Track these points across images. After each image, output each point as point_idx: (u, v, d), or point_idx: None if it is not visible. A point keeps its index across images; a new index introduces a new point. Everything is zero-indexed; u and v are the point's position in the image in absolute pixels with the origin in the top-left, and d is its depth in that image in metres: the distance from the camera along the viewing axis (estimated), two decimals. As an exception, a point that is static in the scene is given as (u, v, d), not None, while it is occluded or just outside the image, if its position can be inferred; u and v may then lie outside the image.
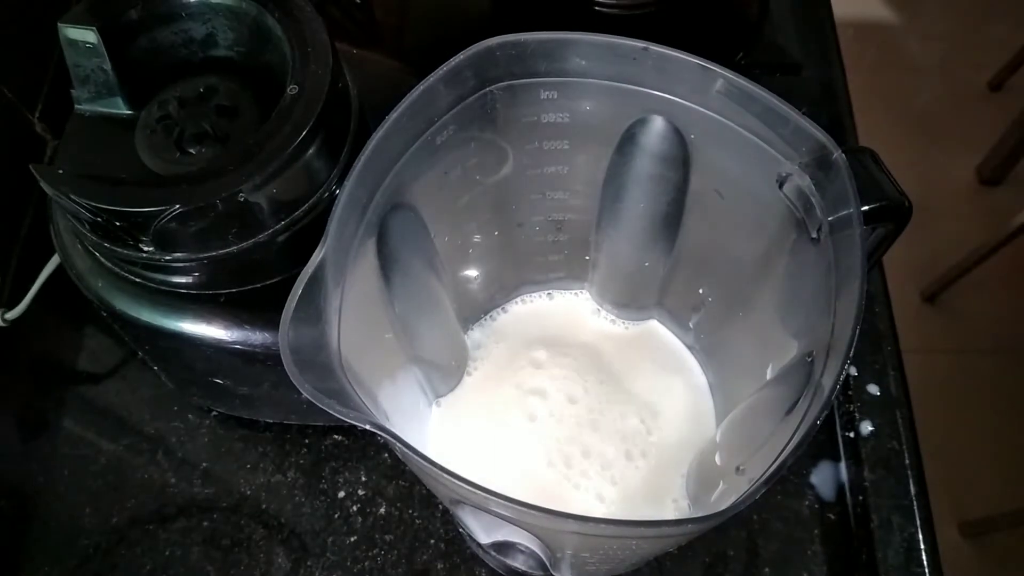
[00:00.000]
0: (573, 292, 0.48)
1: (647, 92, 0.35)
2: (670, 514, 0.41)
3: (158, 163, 0.35)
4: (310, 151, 0.33)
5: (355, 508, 0.46)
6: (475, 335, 0.47)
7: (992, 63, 1.47)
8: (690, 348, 0.47)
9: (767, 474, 0.27)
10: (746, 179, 0.35)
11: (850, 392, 0.47)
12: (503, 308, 0.48)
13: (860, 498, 0.45)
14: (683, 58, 0.33)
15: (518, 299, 0.48)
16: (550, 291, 0.48)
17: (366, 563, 0.45)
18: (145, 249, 0.33)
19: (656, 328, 0.48)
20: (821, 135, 0.31)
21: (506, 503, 0.26)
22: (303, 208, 0.35)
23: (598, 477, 0.42)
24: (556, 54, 0.34)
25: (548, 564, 0.36)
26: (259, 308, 0.37)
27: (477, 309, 0.47)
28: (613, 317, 0.48)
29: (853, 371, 0.48)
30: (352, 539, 0.45)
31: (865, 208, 0.30)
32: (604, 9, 0.53)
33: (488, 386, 0.45)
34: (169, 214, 0.31)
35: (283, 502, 0.47)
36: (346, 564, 0.45)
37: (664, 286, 0.45)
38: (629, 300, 0.47)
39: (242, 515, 0.46)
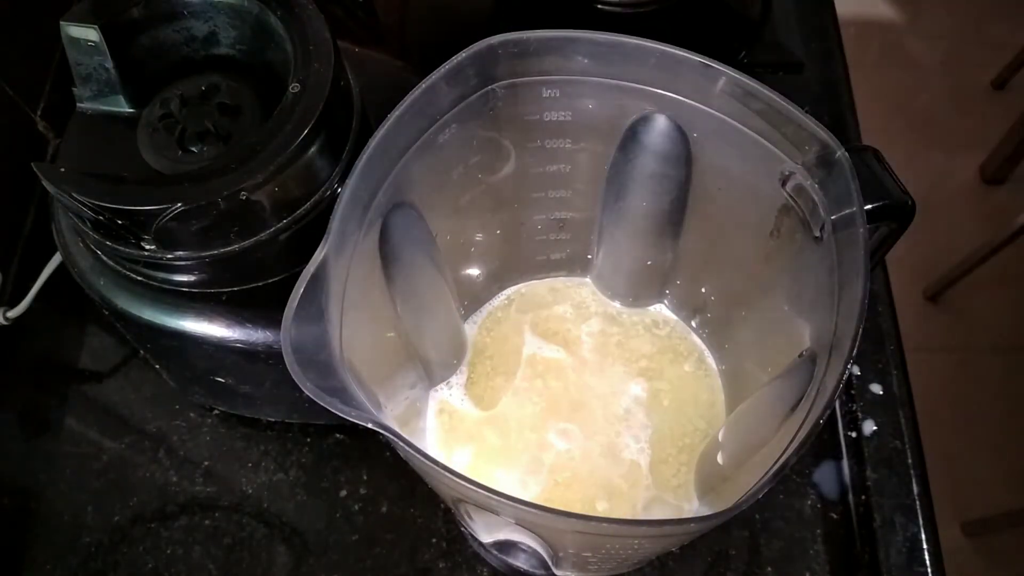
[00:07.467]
0: (575, 285, 0.48)
1: (649, 90, 0.35)
2: (673, 513, 0.41)
3: (160, 161, 0.35)
4: (312, 150, 0.33)
5: (357, 507, 0.46)
6: (477, 331, 0.47)
7: (995, 62, 1.47)
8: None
9: (770, 473, 0.27)
10: (749, 177, 0.35)
11: (853, 391, 0.47)
12: (505, 303, 0.48)
13: (863, 497, 0.45)
14: (686, 56, 0.33)
15: (520, 293, 0.48)
16: (552, 285, 0.48)
17: (368, 562, 0.45)
18: (147, 247, 0.33)
19: (662, 311, 0.47)
20: (824, 133, 0.31)
21: (508, 502, 0.25)
22: (305, 207, 0.35)
23: (601, 474, 0.42)
24: (558, 52, 0.34)
25: (550, 563, 0.36)
26: (261, 306, 0.37)
27: (479, 305, 0.47)
28: (617, 306, 0.47)
29: (856, 370, 0.48)
30: (354, 538, 0.45)
31: (868, 207, 0.30)
32: (606, 7, 0.53)
33: (490, 382, 0.45)
34: (171, 212, 0.31)
35: (285, 501, 0.47)
36: (348, 563, 0.45)
37: (666, 285, 0.45)
38: (631, 299, 0.47)
39: (244, 514, 0.46)
